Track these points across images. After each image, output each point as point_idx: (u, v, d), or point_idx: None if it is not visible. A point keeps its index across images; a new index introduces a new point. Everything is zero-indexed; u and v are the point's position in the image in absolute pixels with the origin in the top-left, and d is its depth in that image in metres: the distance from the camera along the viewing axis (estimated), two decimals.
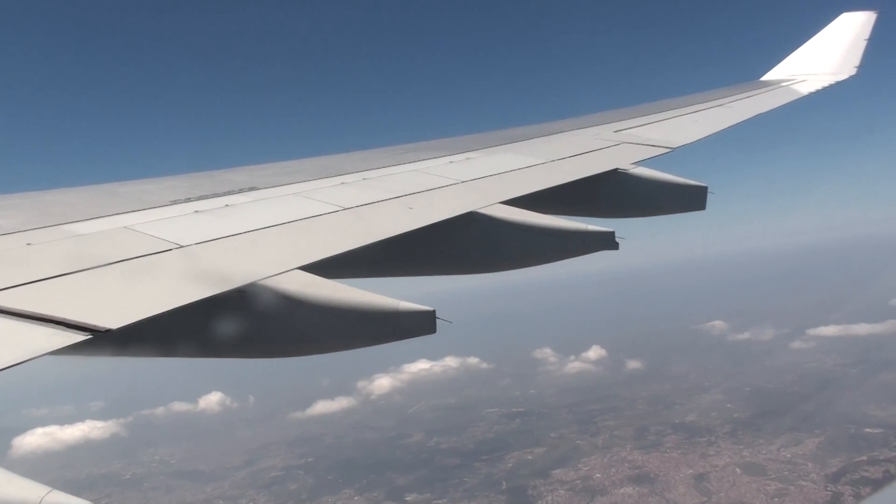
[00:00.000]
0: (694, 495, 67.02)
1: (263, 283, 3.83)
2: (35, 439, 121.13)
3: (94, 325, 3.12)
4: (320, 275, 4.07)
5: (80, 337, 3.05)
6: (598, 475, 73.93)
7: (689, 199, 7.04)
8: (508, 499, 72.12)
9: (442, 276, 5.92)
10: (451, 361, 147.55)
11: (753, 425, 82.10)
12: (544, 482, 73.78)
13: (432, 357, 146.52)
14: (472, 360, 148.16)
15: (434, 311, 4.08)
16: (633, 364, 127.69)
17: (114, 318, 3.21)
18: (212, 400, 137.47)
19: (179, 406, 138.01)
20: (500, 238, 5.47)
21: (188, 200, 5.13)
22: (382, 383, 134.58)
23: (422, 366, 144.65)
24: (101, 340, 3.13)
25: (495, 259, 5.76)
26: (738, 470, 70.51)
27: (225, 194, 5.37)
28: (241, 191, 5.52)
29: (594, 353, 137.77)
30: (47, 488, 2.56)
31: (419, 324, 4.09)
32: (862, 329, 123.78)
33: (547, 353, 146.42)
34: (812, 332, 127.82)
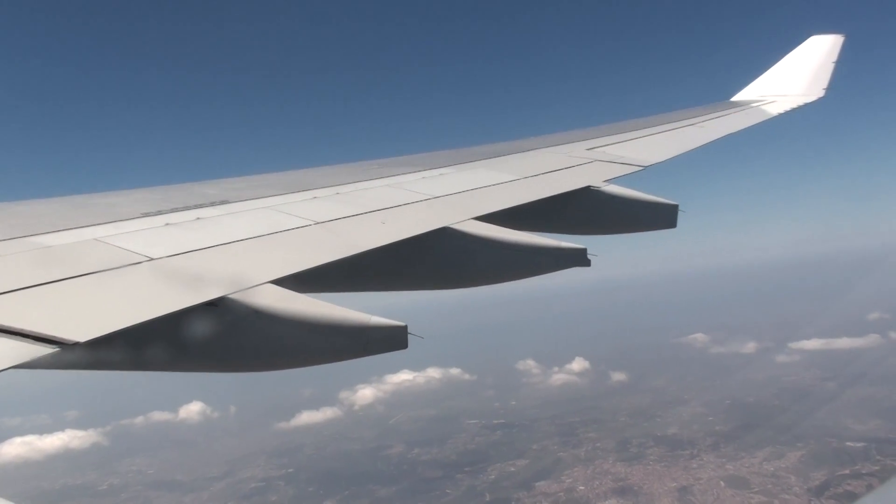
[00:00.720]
0: None
1: (235, 296, 3.82)
2: (12, 449, 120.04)
3: (62, 338, 3.09)
4: (292, 289, 4.06)
5: (46, 350, 3.01)
6: (581, 487, 73.97)
7: (661, 216, 7.10)
8: None
9: (415, 290, 5.93)
10: (433, 372, 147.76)
11: (735, 438, 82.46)
12: (528, 494, 73.77)
13: (415, 368, 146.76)
14: (455, 371, 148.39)
15: (406, 327, 4.08)
16: (614, 376, 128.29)
17: (82, 331, 3.18)
18: (192, 409, 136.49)
19: (159, 415, 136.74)
20: (472, 254, 5.48)
21: (159, 213, 5.09)
22: (366, 394, 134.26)
23: (405, 377, 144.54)
24: (68, 353, 3.10)
25: (468, 275, 5.78)
26: (721, 483, 70.79)
27: (196, 207, 5.34)
28: (212, 204, 5.49)
29: (576, 365, 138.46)
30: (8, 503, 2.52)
31: (391, 339, 4.10)
32: (840, 343, 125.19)
33: (529, 364, 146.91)
34: (791, 345, 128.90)
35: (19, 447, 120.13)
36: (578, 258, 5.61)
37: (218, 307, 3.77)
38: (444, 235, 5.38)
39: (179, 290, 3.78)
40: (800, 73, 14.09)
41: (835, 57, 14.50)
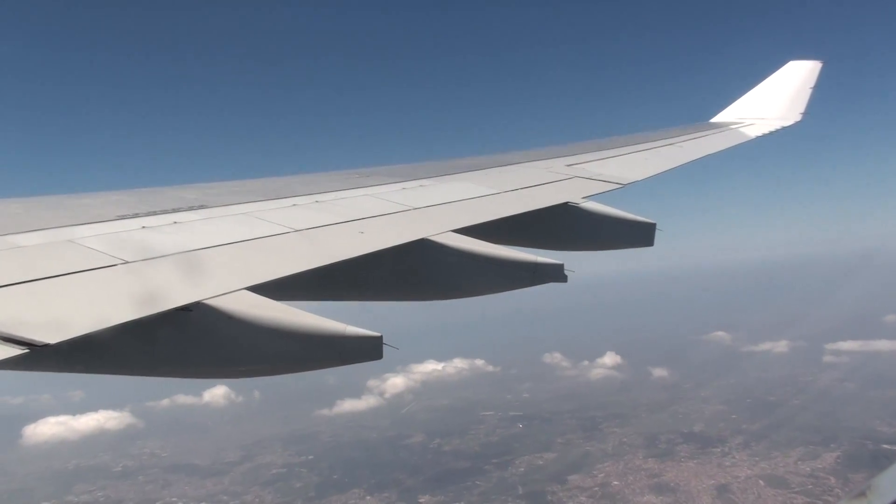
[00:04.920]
0: None
1: (209, 302, 3.78)
2: (48, 429, 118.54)
3: (33, 340, 3.04)
4: (269, 296, 4.03)
5: (16, 351, 2.97)
6: (615, 482, 73.40)
7: (639, 235, 7.15)
8: None
9: (392, 301, 5.92)
10: (460, 363, 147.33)
11: (764, 437, 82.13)
12: (562, 488, 72.96)
13: (441, 358, 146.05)
14: (479, 363, 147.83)
15: (381, 337, 4.06)
16: (631, 372, 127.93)
17: (54, 333, 3.13)
18: (217, 393, 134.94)
19: (184, 399, 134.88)
20: (450, 266, 5.48)
21: (136, 216, 5.03)
22: (396, 383, 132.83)
23: (432, 366, 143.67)
24: (40, 355, 3.05)
25: (445, 287, 5.78)
26: (761, 482, 70.06)
27: (174, 211, 5.29)
28: (190, 208, 5.44)
29: (608, 359, 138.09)
30: None
31: (365, 349, 4.08)
32: (878, 345, 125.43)
33: (556, 357, 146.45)
34: (808, 345, 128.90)
35: (55, 427, 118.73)
36: (555, 273, 5.63)
37: (192, 312, 3.73)
38: (423, 247, 5.38)
39: (153, 294, 3.74)
40: (778, 97, 14.27)
41: (812, 82, 14.71)
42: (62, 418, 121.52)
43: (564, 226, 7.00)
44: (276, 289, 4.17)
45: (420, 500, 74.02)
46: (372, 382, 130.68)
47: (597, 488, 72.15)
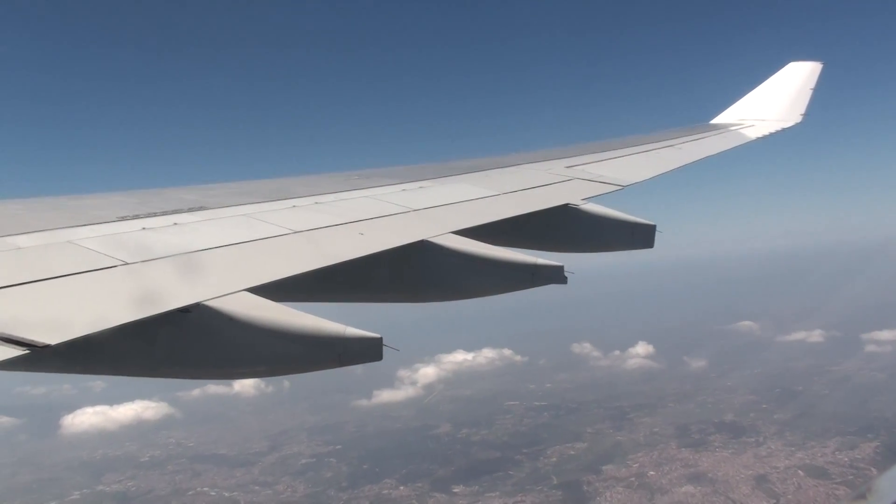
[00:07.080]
0: (760, 496, 65.61)
1: (209, 303, 3.78)
2: (86, 419, 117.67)
3: (33, 341, 3.05)
4: (269, 297, 4.04)
5: (17, 351, 2.97)
6: (651, 473, 72.45)
7: (638, 236, 7.14)
8: (564, 494, 70.05)
9: (392, 303, 5.92)
10: (489, 353, 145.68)
11: (798, 427, 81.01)
12: (597, 478, 72.07)
13: (470, 348, 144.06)
14: (507, 353, 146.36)
15: (381, 339, 4.06)
16: (665, 362, 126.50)
17: (54, 334, 3.14)
18: (247, 383, 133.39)
19: (215, 388, 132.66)
20: (450, 268, 5.48)
21: (136, 217, 5.03)
22: (427, 372, 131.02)
23: (461, 356, 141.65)
24: (40, 356, 3.06)
25: (445, 289, 5.78)
26: (800, 472, 69.04)
27: (174, 213, 5.29)
28: (190, 210, 5.43)
29: (640, 348, 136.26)
30: None
31: (365, 351, 4.08)
32: (891, 335, 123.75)
33: (586, 347, 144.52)
34: (843, 334, 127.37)
35: (92, 416, 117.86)
36: (555, 275, 5.63)
37: (191, 314, 3.74)
38: (423, 248, 5.38)
39: (153, 295, 3.74)
40: (778, 99, 14.29)
41: (812, 83, 14.73)
42: (99, 408, 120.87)
43: (564, 227, 7.00)
44: (276, 290, 4.18)
45: (454, 490, 73.18)
46: (402, 373, 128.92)
47: (633, 478, 71.21)
